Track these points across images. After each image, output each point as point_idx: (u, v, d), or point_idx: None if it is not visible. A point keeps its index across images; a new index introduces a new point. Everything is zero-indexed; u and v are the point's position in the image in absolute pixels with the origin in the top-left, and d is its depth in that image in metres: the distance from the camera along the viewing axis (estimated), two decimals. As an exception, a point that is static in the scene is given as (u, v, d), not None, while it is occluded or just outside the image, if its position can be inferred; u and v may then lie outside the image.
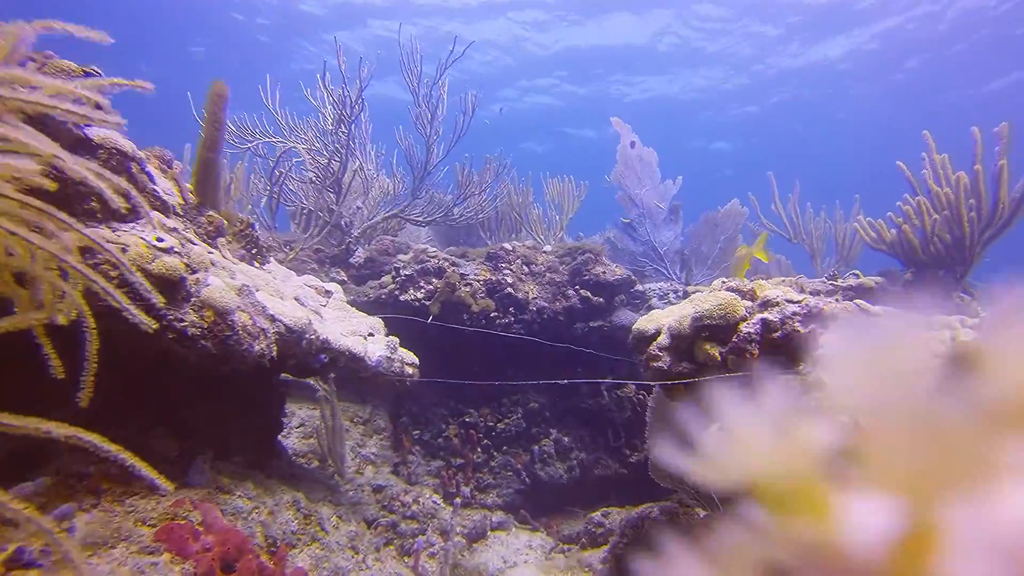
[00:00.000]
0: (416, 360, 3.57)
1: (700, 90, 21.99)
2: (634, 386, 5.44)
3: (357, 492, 4.40)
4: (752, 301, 2.72)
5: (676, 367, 2.81)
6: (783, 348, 2.50)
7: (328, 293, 3.62)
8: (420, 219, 5.73)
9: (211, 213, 2.65)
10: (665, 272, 6.86)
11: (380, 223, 5.65)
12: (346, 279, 5.41)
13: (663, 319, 3.01)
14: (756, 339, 2.53)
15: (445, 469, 5.29)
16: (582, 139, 26.95)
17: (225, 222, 2.73)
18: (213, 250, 2.50)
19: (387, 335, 3.67)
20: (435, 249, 5.37)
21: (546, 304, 5.08)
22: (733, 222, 6.73)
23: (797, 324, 2.45)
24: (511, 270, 5.18)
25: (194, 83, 4.99)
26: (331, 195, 5.27)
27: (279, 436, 3.65)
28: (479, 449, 5.32)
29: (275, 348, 2.46)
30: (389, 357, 3.27)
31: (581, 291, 5.13)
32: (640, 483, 5.98)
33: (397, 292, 5.10)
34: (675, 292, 6.21)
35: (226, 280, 2.35)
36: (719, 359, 2.64)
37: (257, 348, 2.33)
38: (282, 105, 5.26)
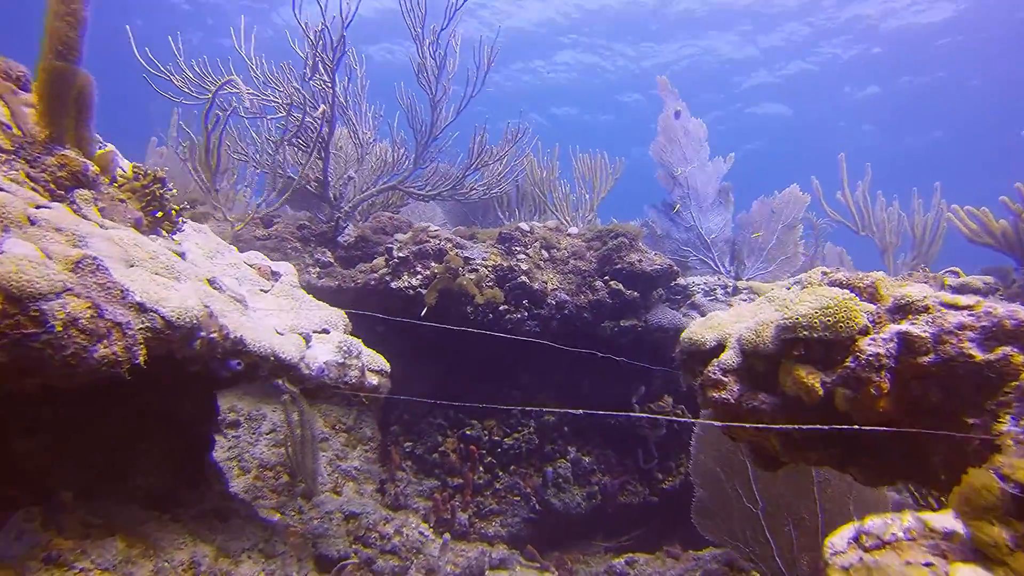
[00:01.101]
0: (386, 367, 2.72)
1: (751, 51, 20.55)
2: (671, 399, 4.53)
3: (323, 521, 3.57)
4: (876, 303, 1.80)
5: (749, 401, 1.90)
6: (939, 381, 1.58)
7: (275, 275, 2.77)
8: (423, 193, 4.86)
9: (66, 153, 1.81)
10: (712, 263, 5.91)
11: (376, 196, 4.79)
12: (332, 261, 4.59)
13: (729, 325, 2.12)
14: (888, 364, 1.62)
15: (440, 491, 4.45)
16: (627, 107, 25.48)
17: (95, 167, 1.88)
18: (52, 204, 1.65)
19: (348, 331, 2.80)
20: (438, 228, 4.50)
21: (568, 297, 4.19)
22: (793, 209, 5.75)
23: (968, 344, 1.51)
24: (527, 255, 4.30)
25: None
26: (317, 161, 4.43)
27: (213, 453, 2.84)
28: (481, 468, 4.47)
29: (142, 351, 1.60)
30: (341, 364, 2.43)
31: (611, 283, 4.23)
32: (673, 512, 5.07)
33: (388, 277, 4.26)
34: (723, 287, 5.26)
35: (53, 247, 1.50)
36: (821, 394, 1.72)
37: (100, 353, 1.48)
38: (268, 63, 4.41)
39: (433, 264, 4.35)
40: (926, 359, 1.62)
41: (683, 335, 2.29)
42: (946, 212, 6.47)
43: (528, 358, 4.66)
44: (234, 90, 4.03)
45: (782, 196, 5.84)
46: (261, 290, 2.72)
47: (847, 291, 1.86)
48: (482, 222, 5.94)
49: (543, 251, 4.45)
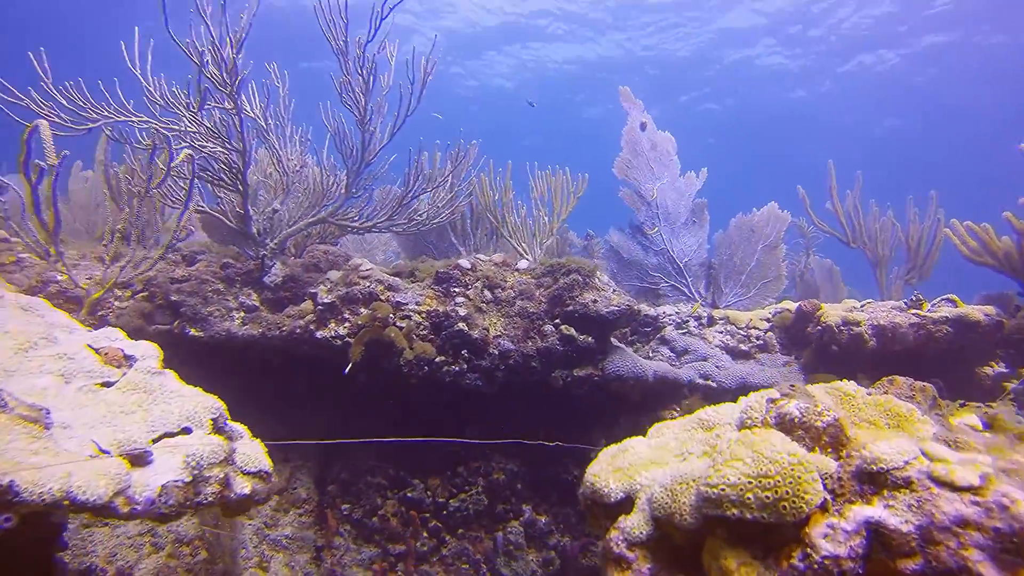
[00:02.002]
0: (266, 467, 2.31)
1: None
2: (635, 453, 4.06)
3: (226, 623, 3.13)
4: (839, 455, 1.36)
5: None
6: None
7: (129, 359, 2.32)
8: (357, 225, 4.40)
9: None
10: (686, 290, 5.46)
11: (306, 230, 4.34)
12: (258, 304, 4.14)
13: (644, 468, 1.70)
14: (852, 570, 1.17)
15: (380, 560, 4.01)
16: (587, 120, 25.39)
17: None
18: None
19: (220, 424, 2.36)
20: (371, 266, 4.07)
21: (512, 345, 3.75)
22: (774, 227, 5.30)
23: (975, 556, 1.09)
24: (467, 297, 3.86)
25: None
26: (234, 195, 3.98)
27: None
28: (426, 533, 4.03)
29: None
30: (189, 483, 1.98)
31: (563, 327, 3.79)
32: None
33: (314, 326, 3.81)
34: (696, 319, 4.80)
35: None
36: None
37: None
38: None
39: (363, 310, 3.90)
40: (909, 566, 1.16)
41: (587, 474, 1.85)
42: (943, 226, 6.03)
43: (477, 411, 4.23)
44: (122, 117, 3.58)
45: (761, 214, 5.38)
46: (101, 384, 2.28)
47: (794, 447, 1.40)
48: (436, 248, 5.49)
49: (486, 291, 4.00)
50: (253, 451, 2.41)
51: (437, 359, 3.79)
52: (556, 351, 3.88)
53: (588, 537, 4.25)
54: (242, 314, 4.11)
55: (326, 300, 3.93)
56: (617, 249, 5.52)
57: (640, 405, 4.32)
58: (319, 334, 3.87)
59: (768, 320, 4.78)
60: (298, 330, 3.93)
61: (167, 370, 2.51)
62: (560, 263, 4.11)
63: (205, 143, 3.70)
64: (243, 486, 2.23)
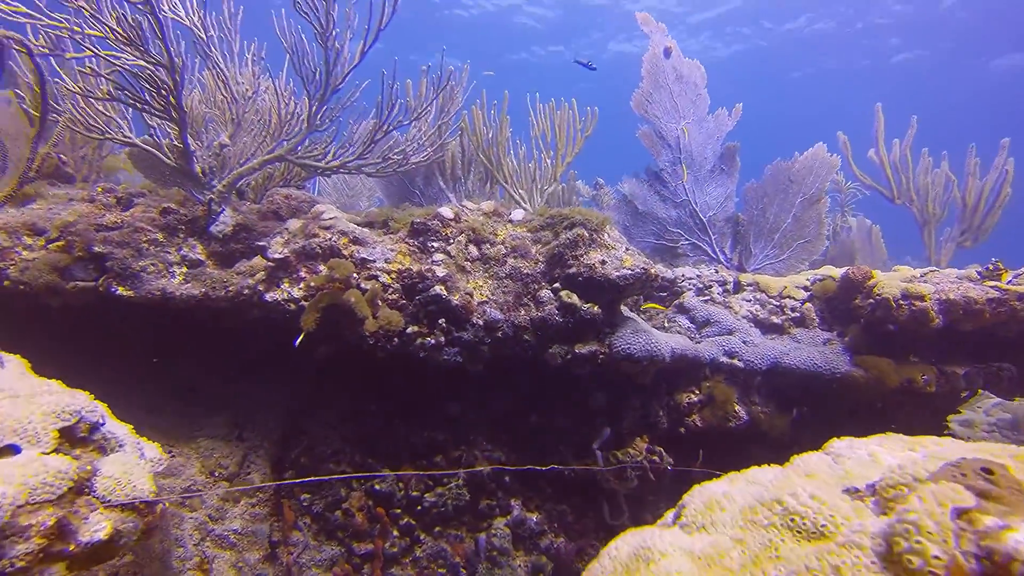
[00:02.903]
0: (145, 491, 1.69)
1: None
2: (645, 447, 3.46)
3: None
4: None
5: None
6: None
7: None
8: (322, 165, 3.68)
9: None
10: (709, 249, 4.75)
11: (257, 169, 3.63)
12: (204, 258, 3.49)
13: None
14: None
15: (343, 561, 3.44)
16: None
17: None
18: None
19: (82, 437, 1.72)
20: (335, 214, 3.38)
21: (501, 315, 3.09)
22: (817, 177, 4.55)
23: None
24: (448, 253, 3.18)
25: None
26: (169, 124, 3.27)
27: None
28: (396, 531, 3.45)
29: None
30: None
31: (563, 293, 3.12)
32: None
33: (263, 286, 3.14)
34: (721, 284, 4.14)
35: None
36: None
37: None
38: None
39: (322, 268, 3.23)
40: None
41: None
42: (1010, 180, 5.28)
43: (459, 386, 3.59)
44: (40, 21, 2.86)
45: (804, 159, 4.62)
46: None
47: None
48: (424, 195, 4.78)
49: (471, 247, 3.32)
50: (128, 470, 1.76)
51: (409, 330, 3.13)
52: (554, 322, 3.21)
53: (585, 538, 3.66)
54: (184, 270, 3.45)
55: (278, 255, 3.25)
56: (631, 199, 4.80)
57: (652, 388, 3.68)
58: (269, 296, 3.21)
59: (806, 288, 4.09)
60: (246, 291, 3.27)
61: (7, 355, 1.85)
62: (562, 214, 3.41)
63: (119, 53, 2.96)
64: (97, 529, 1.59)
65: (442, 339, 3.15)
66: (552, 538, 3.64)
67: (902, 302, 3.54)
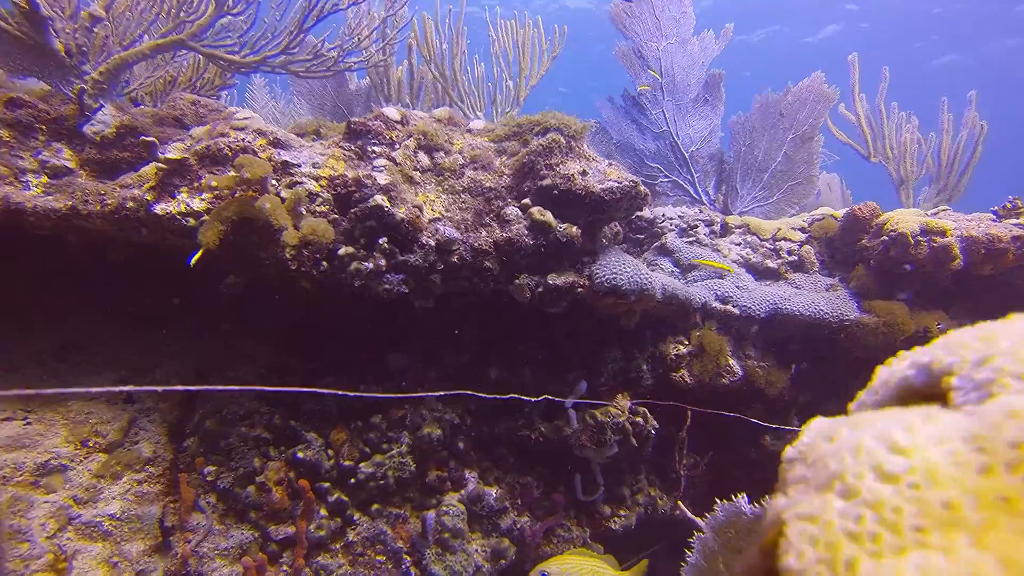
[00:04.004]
0: None
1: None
2: (627, 399, 2.92)
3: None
4: None
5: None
6: None
7: None
8: (236, 58, 3.01)
9: None
10: (691, 188, 4.26)
11: (148, 56, 2.92)
12: (73, 165, 2.76)
13: None
14: None
15: (256, 547, 2.79)
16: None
17: None
18: None
19: None
20: (251, 115, 2.70)
21: (458, 234, 2.49)
22: (811, 111, 4.12)
23: None
24: (392, 160, 2.56)
25: None
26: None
27: None
28: (324, 510, 2.80)
29: None
30: None
31: (534, 210, 2.54)
32: (622, 557, 3.55)
33: (153, 197, 2.46)
34: (707, 224, 3.63)
35: None
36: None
37: None
38: None
39: (231, 173, 2.56)
40: None
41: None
42: (984, 135, 5.01)
43: (405, 334, 2.98)
44: None
45: (797, 91, 4.18)
46: None
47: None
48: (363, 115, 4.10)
49: (420, 155, 2.71)
50: None
51: (341, 251, 2.49)
52: (523, 245, 2.63)
53: (554, 517, 3.09)
54: (44, 179, 2.71)
55: (174, 156, 2.56)
56: (606, 127, 4.27)
57: (635, 336, 3.14)
58: (160, 208, 2.52)
59: (804, 230, 3.63)
60: (129, 203, 2.56)
61: None
62: (531, 120, 2.84)
63: None
64: None
65: (383, 263, 2.52)
66: (515, 517, 3.05)
67: (921, 238, 3.10)
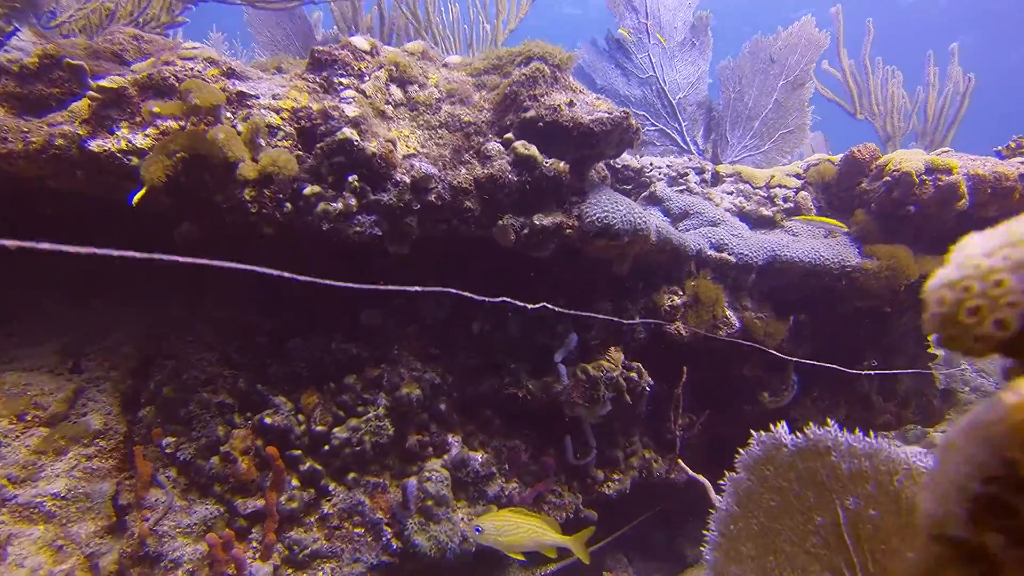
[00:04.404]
0: None
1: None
2: (620, 353, 2.74)
3: None
4: None
5: None
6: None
7: None
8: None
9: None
10: (679, 138, 4.07)
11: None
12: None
13: None
14: None
15: (222, 522, 2.56)
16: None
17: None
18: None
19: None
20: (198, 46, 2.44)
21: (435, 169, 2.25)
22: (803, 56, 3.95)
23: None
24: (360, 91, 2.32)
25: None
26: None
27: None
28: (295, 480, 2.58)
29: None
30: None
31: (517, 144, 2.32)
32: (617, 523, 3.38)
33: (87, 132, 2.19)
34: (698, 171, 3.45)
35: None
36: None
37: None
38: None
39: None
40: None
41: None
42: (972, 88, 4.93)
43: (380, 277, 2.74)
44: None
45: (787, 35, 4.01)
46: None
47: None
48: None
49: (392, 88, 2.48)
50: None
51: (307, 190, 2.26)
52: (506, 182, 2.42)
53: (544, 482, 2.90)
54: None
55: (110, 85, 2.30)
56: (588, 72, 4.06)
57: (627, 285, 2.95)
58: (96, 145, 2.26)
59: (799, 176, 3.46)
60: (59, 140, 2.29)
61: None
62: (514, 50, 2.62)
63: None
64: None
65: (352, 202, 2.29)
66: (503, 483, 2.85)
67: (926, 177, 2.95)
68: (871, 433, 1.11)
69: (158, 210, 2.32)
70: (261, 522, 2.63)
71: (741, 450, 1.37)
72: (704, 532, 1.41)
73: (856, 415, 3.59)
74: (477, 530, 2.31)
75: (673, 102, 4.04)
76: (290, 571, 2.62)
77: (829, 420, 1.20)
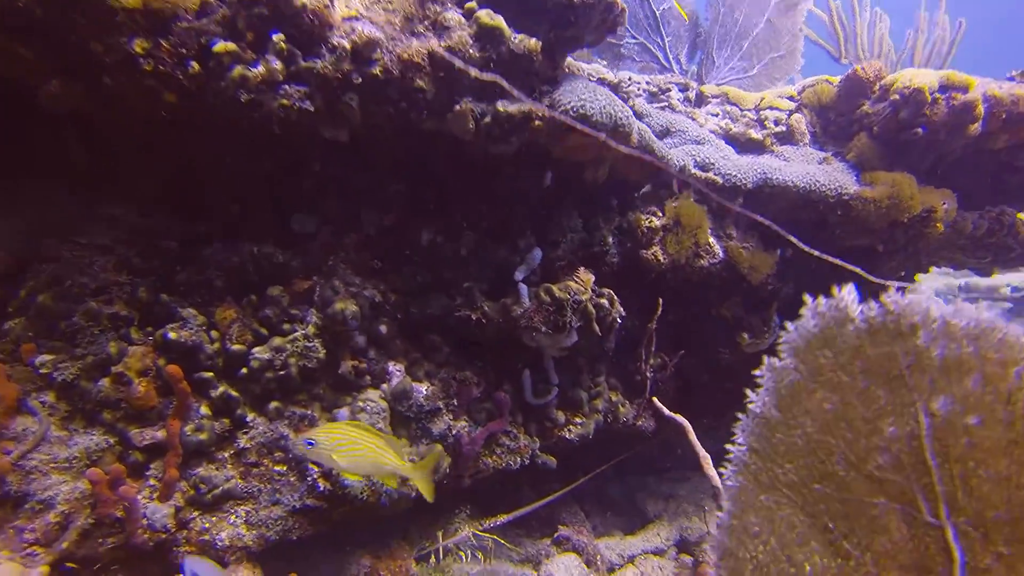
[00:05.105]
0: None
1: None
2: (591, 274, 2.39)
3: None
4: None
5: None
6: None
7: None
8: None
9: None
10: (661, 54, 3.70)
11: None
12: None
13: None
14: None
15: (111, 456, 2.16)
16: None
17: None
18: None
19: None
20: None
21: (380, 34, 1.84)
22: (797, -29, 3.56)
23: None
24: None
25: None
26: None
27: None
28: (206, 407, 2.19)
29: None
30: None
31: (481, 12, 1.92)
32: (575, 472, 3.08)
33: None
34: (681, 88, 3.10)
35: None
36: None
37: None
38: None
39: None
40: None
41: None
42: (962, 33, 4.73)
43: (315, 187, 2.37)
44: None
45: (782, -54, 3.64)
46: None
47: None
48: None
49: (332, -67, 2.03)
50: None
51: (218, 46, 1.83)
52: (467, 57, 2.02)
53: (498, 422, 2.56)
54: None
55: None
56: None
57: (600, 200, 2.60)
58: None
59: (792, 99, 3.14)
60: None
61: None
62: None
63: None
64: None
65: (277, 66, 1.87)
66: (450, 420, 2.50)
67: (939, 95, 2.65)
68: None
69: (16, 70, 1.87)
70: (162, 457, 2.24)
71: (750, 393, 1.02)
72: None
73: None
74: (309, 443, 1.88)
75: (657, 13, 3.67)
76: (196, 513, 2.24)
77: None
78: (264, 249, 2.29)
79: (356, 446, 1.90)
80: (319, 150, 2.30)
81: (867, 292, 2.72)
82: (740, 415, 1.02)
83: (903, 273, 3.52)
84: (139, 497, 2.12)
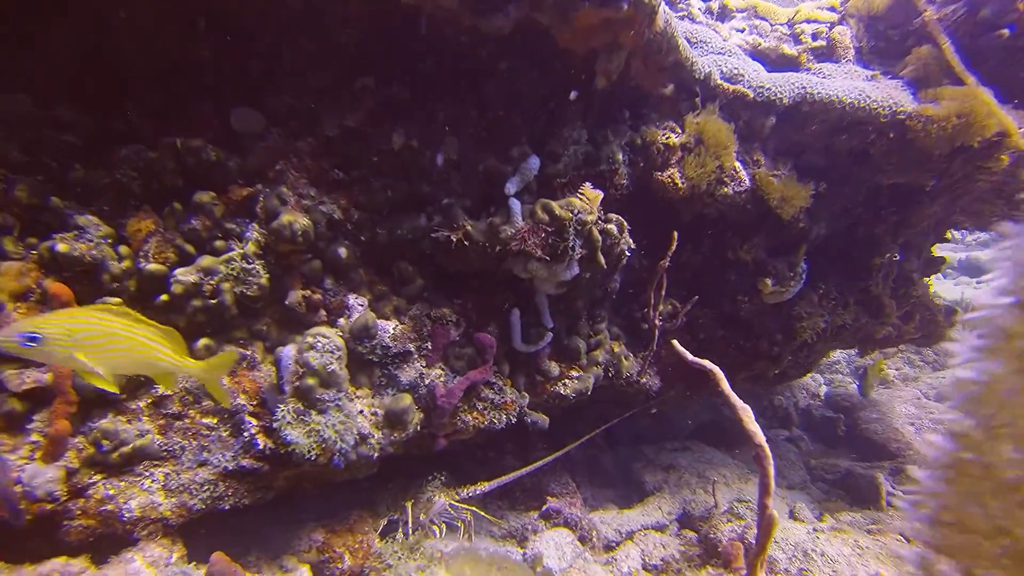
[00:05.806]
0: None
1: None
2: (599, 204, 1.92)
3: None
4: None
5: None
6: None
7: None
8: None
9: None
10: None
11: None
12: None
13: None
14: None
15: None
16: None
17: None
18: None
19: None
20: None
21: None
22: None
23: None
24: None
25: None
26: None
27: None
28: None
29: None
30: None
31: None
32: (566, 434, 2.65)
33: None
34: (705, -4, 2.63)
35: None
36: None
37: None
38: None
39: None
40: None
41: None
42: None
43: (264, 77, 1.88)
44: None
45: None
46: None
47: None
48: None
49: None
50: None
51: None
52: None
53: (481, 370, 2.11)
54: None
55: None
56: None
57: (609, 110, 2.14)
58: None
59: (835, 9, 2.69)
60: None
61: None
62: None
63: None
64: None
65: None
66: (422, 367, 2.05)
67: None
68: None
69: None
70: (48, 406, 1.75)
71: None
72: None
73: (862, 320, 2.95)
74: (30, 338, 1.25)
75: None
76: (97, 477, 1.77)
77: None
78: (191, 143, 1.80)
79: (112, 340, 1.36)
80: (271, 22, 1.81)
81: (857, 275, 2.27)
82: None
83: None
84: (9, 456, 1.64)
